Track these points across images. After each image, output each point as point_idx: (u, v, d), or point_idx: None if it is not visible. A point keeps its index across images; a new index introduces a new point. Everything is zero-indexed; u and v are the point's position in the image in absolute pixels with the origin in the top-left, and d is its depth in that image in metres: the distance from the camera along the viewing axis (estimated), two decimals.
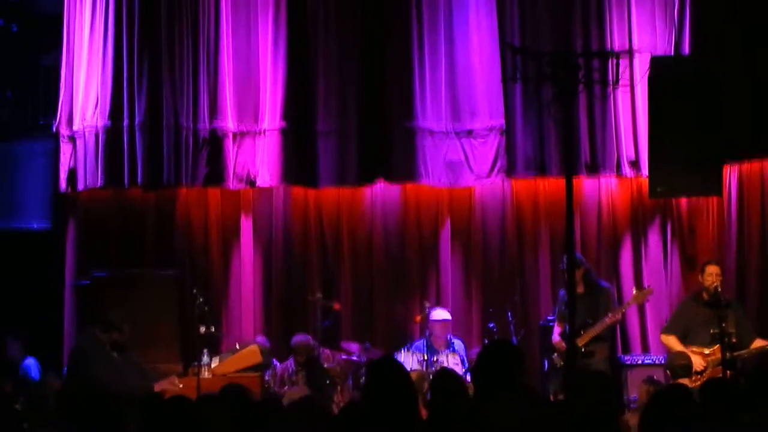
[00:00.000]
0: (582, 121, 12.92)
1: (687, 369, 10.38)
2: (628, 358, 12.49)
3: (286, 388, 11.77)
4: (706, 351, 10.79)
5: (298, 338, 12.22)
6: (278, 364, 12.31)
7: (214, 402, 6.62)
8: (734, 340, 10.62)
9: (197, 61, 13.07)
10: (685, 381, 9.56)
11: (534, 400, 6.29)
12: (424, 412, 6.81)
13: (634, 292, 11.85)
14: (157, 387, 10.24)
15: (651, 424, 5.87)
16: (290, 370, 12.13)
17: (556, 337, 11.54)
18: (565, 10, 13.11)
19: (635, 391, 11.06)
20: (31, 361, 12.42)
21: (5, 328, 12.67)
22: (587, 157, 12.95)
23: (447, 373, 7.28)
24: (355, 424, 5.81)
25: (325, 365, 12.12)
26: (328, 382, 11.79)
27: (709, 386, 6.50)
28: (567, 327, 10.68)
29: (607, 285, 12.04)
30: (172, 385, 10.42)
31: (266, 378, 11.78)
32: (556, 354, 11.53)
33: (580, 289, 11.36)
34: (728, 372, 10.33)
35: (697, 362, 10.69)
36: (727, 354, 10.48)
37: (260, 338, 12.48)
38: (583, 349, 11.10)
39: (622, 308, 11.85)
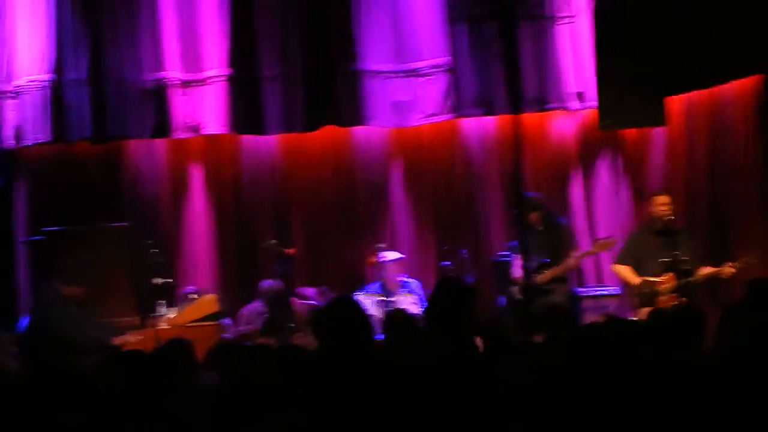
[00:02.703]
0: (527, 57, 12.82)
1: (654, 296, 10.51)
2: (582, 290, 12.58)
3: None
4: (657, 280, 10.89)
5: (269, 281, 12.20)
6: (231, 322, 12.28)
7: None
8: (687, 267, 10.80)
9: (139, 12, 12.89)
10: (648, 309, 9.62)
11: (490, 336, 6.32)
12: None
13: (597, 240, 11.94)
14: (117, 340, 10.27)
15: None
16: (258, 311, 12.13)
17: (517, 270, 11.52)
18: None
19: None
20: None
21: None
22: (534, 92, 12.91)
23: (398, 313, 7.31)
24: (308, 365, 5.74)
25: None
26: (292, 325, 11.79)
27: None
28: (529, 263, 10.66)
29: (565, 222, 12.11)
30: (129, 338, 10.44)
31: (224, 324, 11.76)
32: (516, 287, 11.53)
33: (539, 228, 11.40)
34: (684, 299, 10.50)
35: None
36: (682, 280, 10.64)
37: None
38: (542, 288, 11.16)
39: (582, 255, 11.91)
